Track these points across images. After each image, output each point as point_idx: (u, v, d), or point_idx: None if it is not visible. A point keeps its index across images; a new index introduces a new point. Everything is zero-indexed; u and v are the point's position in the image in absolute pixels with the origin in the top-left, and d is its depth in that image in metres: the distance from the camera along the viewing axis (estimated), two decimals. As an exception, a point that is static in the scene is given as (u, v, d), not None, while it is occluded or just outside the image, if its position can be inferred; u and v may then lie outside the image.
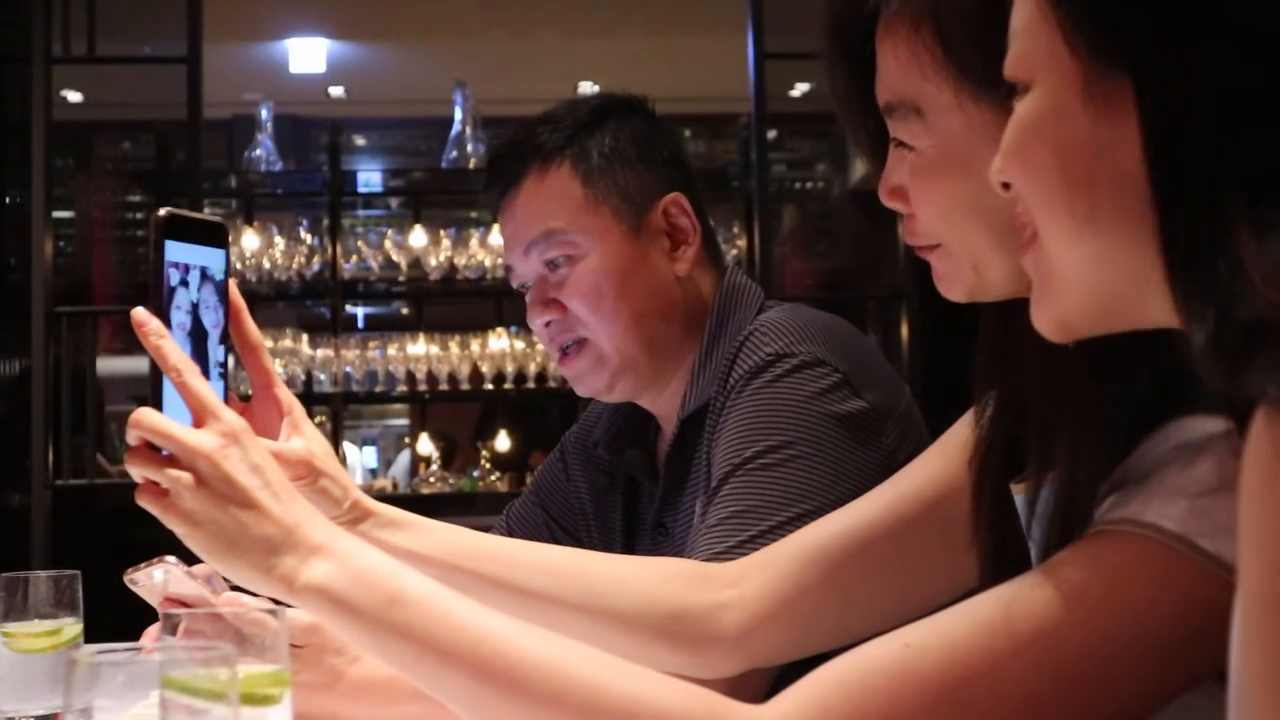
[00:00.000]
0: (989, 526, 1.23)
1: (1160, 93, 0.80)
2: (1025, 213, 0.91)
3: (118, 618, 1.65)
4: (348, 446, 7.68)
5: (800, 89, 6.39)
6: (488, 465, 6.27)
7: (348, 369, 5.94)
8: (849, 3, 1.24)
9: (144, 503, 1.13)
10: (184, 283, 1.22)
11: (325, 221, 6.08)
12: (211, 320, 1.25)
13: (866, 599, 1.41)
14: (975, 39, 1.11)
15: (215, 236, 1.26)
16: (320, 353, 5.92)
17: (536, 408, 6.73)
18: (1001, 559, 1.20)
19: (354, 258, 6.05)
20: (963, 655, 0.95)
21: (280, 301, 6.33)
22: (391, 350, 5.99)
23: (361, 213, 6.84)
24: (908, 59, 1.17)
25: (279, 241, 5.86)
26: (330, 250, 5.99)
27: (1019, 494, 1.16)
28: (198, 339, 1.23)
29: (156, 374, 1.16)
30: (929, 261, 1.24)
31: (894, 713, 0.95)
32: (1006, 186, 0.94)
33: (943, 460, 1.39)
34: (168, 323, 1.18)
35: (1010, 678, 0.94)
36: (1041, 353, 1.03)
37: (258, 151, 5.90)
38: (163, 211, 1.20)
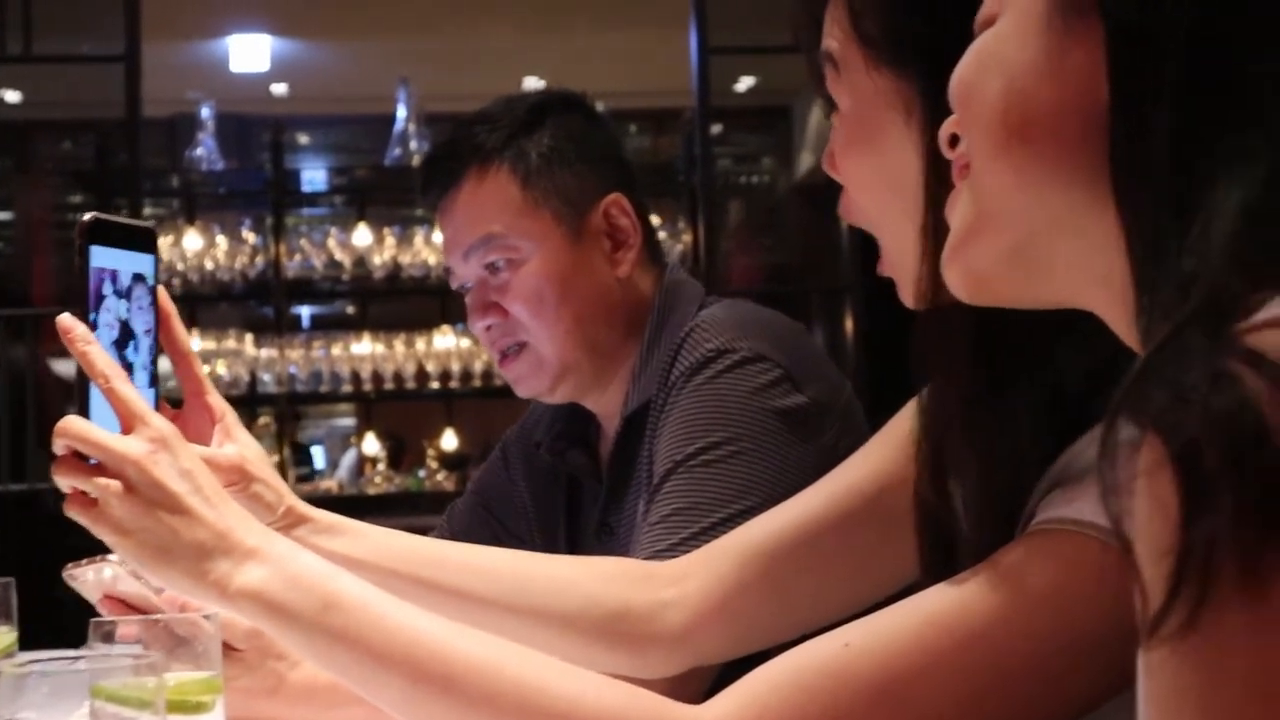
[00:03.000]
0: (932, 523, 1.22)
1: (1128, 17, 0.77)
2: (964, 154, 0.88)
3: (52, 626, 1.63)
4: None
5: (745, 83, 6.39)
6: (434, 464, 6.24)
7: (292, 369, 5.90)
8: None
9: (72, 513, 1.12)
10: (112, 289, 1.20)
11: (268, 221, 6.04)
12: (141, 326, 1.23)
13: (808, 595, 1.41)
14: (879, 11, 1.13)
15: (144, 241, 1.24)
16: (265, 353, 5.88)
17: (483, 406, 6.70)
18: (945, 555, 1.20)
19: (298, 257, 6.01)
20: (902, 654, 0.94)
21: (223, 302, 6.29)
22: (336, 350, 5.95)
23: (305, 211, 6.78)
24: (835, 13, 1.18)
25: (221, 241, 5.82)
26: (274, 250, 5.95)
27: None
28: (126, 346, 1.21)
29: (83, 381, 1.14)
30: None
31: (834, 712, 0.95)
32: (954, 143, 0.91)
33: (884, 453, 1.38)
34: (95, 329, 1.16)
35: (950, 676, 0.93)
36: (968, 352, 1.03)
37: (199, 150, 5.85)
38: (87, 216, 1.18)
